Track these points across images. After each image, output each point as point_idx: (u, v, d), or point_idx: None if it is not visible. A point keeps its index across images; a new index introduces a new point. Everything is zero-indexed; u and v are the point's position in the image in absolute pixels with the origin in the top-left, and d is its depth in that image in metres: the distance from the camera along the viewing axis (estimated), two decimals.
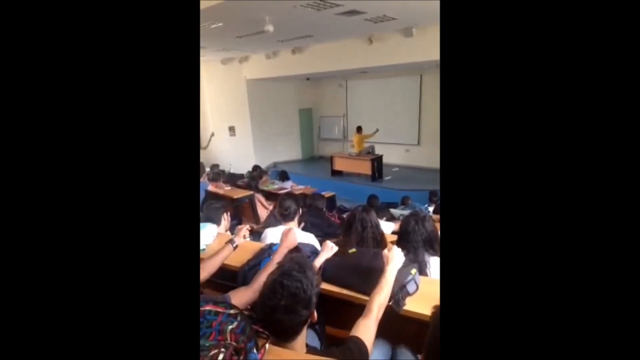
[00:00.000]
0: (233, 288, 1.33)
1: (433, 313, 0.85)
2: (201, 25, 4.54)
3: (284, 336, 0.89)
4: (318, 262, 1.43)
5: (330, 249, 1.49)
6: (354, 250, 1.54)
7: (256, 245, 1.82)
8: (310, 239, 1.94)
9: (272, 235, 1.97)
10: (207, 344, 0.79)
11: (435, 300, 0.86)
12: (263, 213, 3.78)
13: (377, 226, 1.84)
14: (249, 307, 1.17)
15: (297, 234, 1.96)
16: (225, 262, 1.61)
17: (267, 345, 0.85)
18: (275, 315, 0.86)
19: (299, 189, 4.70)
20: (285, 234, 1.49)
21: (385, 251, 1.28)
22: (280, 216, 2.08)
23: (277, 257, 1.35)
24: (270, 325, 0.88)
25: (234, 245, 1.58)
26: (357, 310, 1.28)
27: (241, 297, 1.20)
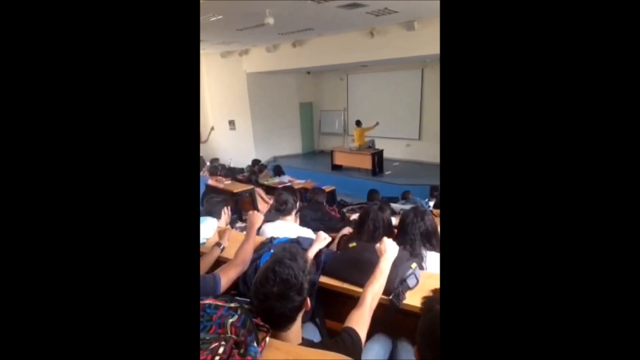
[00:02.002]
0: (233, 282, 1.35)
1: (423, 304, 0.85)
2: (201, 17, 4.50)
3: (278, 324, 0.90)
4: (311, 252, 1.45)
5: (323, 239, 1.50)
6: (354, 244, 1.54)
7: (256, 239, 1.82)
8: (308, 233, 1.94)
9: (270, 229, 1.97)
10: (207, 337, 0.79)
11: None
12: (263, 207, 3.79)
13: (390, 226, 1.77)
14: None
15: (294, 229, 1.96)
16: (224, 256, 1.63)
17: (267, 339, 0.85)
18: (269, 302, 0.88)
19: (299, 183, 4.71)
20: (249, 217, 1.59)
21: (378, 244, 1.28)
22: (277, 211, 2.08)
23: (251, 236, 1.49)
24: (265, 312, 0.90)
25: (221, 247, 1.66)
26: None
27: (229, 272, 1.32)
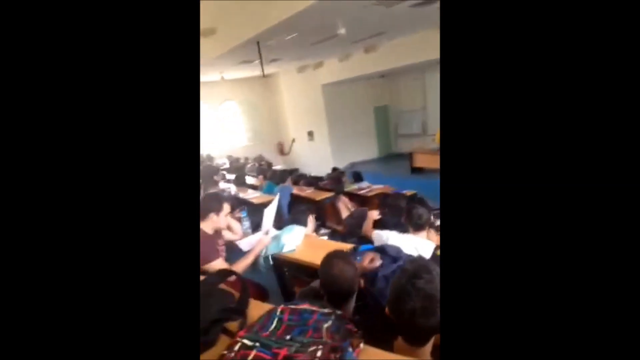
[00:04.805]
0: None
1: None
2: (277, 37, 4.81)
3: (416, 340, 0.89)
4: None
5: None
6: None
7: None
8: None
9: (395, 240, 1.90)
10: (305, 341, 0.84)
11: None
12: (345, 214, 3.84)
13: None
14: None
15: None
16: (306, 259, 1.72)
17: (361, 345, 0.86)
18: (414, 319, 0.85)
19: (377, 188, 4.65)
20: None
21: None
22: (412, 225, 1.96)
23: None
24: (405, 328, 0.89)
25: None
26: None
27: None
